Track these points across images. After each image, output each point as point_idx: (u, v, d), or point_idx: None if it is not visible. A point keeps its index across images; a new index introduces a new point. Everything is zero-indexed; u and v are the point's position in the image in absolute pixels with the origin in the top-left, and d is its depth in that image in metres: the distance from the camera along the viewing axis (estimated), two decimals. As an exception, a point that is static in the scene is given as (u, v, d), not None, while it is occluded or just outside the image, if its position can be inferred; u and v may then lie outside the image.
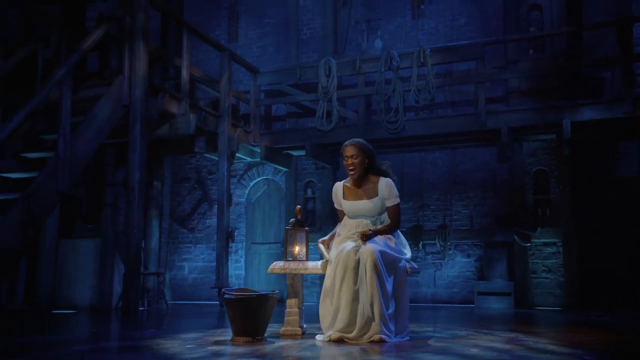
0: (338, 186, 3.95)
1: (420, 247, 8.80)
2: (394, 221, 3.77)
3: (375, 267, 3.47)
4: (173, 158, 10.11)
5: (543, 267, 8.19)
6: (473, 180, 8.79)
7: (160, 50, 7.50)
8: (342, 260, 3.57)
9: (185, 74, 7.15)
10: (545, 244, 8.20)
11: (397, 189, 3.83)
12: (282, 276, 7.84)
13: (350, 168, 3.80)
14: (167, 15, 7.61)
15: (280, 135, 8.92)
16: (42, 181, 5.47)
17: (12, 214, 5.18)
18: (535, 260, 8.22)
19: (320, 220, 9.36)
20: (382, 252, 3.52)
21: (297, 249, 4.08)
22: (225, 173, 7.73)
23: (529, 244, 8.18)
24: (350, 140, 3.93)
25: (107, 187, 7.73)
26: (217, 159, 8.00)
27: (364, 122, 8.37)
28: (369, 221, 3.78)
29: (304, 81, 8.67)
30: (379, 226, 3.76)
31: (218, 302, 7.63)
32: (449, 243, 8.60)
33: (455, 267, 8.70)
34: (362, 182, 3.83)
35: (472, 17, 9.11)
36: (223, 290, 3.70)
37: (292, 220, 4.17)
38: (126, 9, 6.39)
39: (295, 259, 4.06)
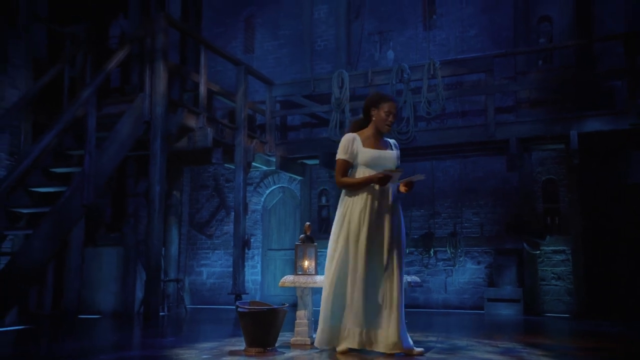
0: (356, 136, 3.75)
1: (432, 253, 9.00)
2: None
3: (401, 273, 3.61)
4: (191, 167, 10.45)
5: (552, 275, 8.33)
6: (483, 188, 8.96)
7: (179, 68, 7.83)
8: (362, 262, 3.57)
9: (202, 89, 7.46)
10: (555, 252, 8.34)
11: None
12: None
13: (390, 126, 3.77)
14: (186, 34, 7.93)
15: (295, 146, 9.20)
16: (70, 196, 5.82)
17: (42, 227, 5.53)
18: (545, 268, 8.36)
19: (334, 227, 9.60)
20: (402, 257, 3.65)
21: (306, 263, 4.35)
22: (242, 183, 8.02)
23: (538, 252, 8.33)
24: (391, 95, 3.89)
25: (129, 197, 8.10)
26: (234, 167, 8.30)
27: (375, 132, 8.58)
28: None
29: (317, 92, 8.92)
30: None
31: (235, 308, 7.93)
32: (459, 250, 8.80)
33: (466, 273, 8.88)
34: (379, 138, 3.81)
35: (482, 28, 9.27)
36: (237, 303, 3.97)
37: (301, 236, 4.44)
38: (147, 30, 6.71)
39: (304, 273, 4.33)
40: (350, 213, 3.66)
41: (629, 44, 7.08)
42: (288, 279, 4.25)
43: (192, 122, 7.35)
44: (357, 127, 3.85)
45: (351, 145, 3.71)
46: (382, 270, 3.60)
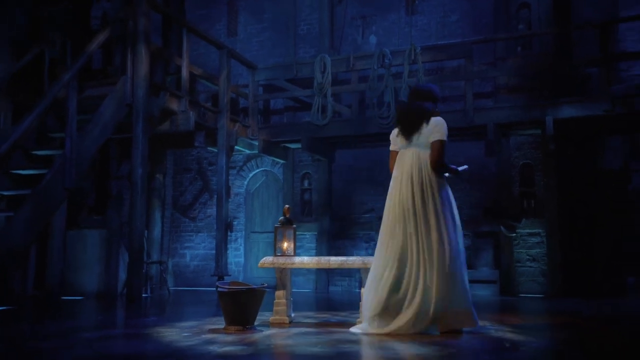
0: None
1: (412, 236, 9.18)
2: None
3: None
4: (174, 150, 10.48)
5: (527, 256, 8.57)
6: (463, 173, 9.11)
7: (161, 50, 7.82)
8: None
9: (185, 72, 7.48)
10: (530, 234, 8.57)
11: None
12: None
13: None
14: (168, 17, 7.91)
15: (278, 130, 9.27)
16: (51, 178, 5.86)
17: (24, 210, 5.58)
18: (520, 250, 8.59)
19: (316, 211, 9.75)
20: None
21: (285, 245, 4.48)
22: (224, 167, 8.09)
23: (514, 234, 8.55)
24: None
25: (112, 179, 8.14)
26: (217, 150, 8.35)
27: (357, 117, 8.72)
28: None
29: (300, 77, 8.98)
30: None
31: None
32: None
33: (445, 255, 9.07)
34: None
35: (463, 14, 9.37)
36: (216, 283, 4.09)
37: (281, 218, 4.57)
38: (129, 12, 6.71)
39: (283, 254, 4.46)
40: (452, 197, 3.88)
41: (603, 32, 7.24)
42: (267, 260, 4.38)
43: (174, 105, 7.38)
44: None
45: None
46: None
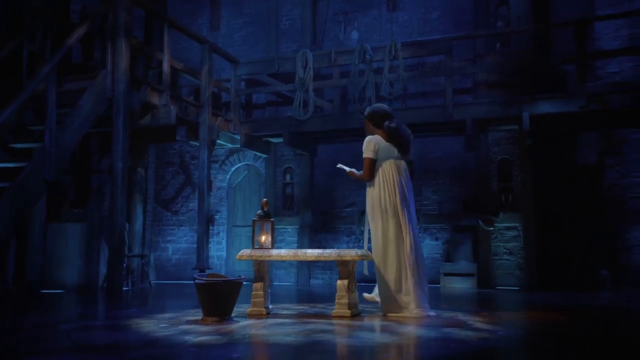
0: None
1: (392, 230, 9.30)
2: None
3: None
4: (157, 144, 10.47)
5: (504, 250, 8.74)
6: (443, 167, 9.26)
7: (142, 45, 7.81)
8: None
9: (166, 67, 7.49)
10: (507, 228, 8.73)
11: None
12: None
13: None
14: (150, 11, 7.90)
15: (260, 124, 9.31)
16: (30, 171, 5.85)
17: (3, 202, 5.57)
18: (498, 243, 8.75)
19: (298, 205, 9.82)
20: None
21: (263, 238, 4.55)
22: (206, 161, 8.12)
23: (492, 228, 8.71)
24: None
25: (93, 173, 8.12)
26: (199, 144, 8.37)
27: (339, 112, 8.80)
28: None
29: (282, 71, 9.02)
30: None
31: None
32: (419, 227, 9.11)
33: (425, 249, 9.16)
34: None
35: (444, 11, 9.48)
36: (194, 275, 4.15)
37: (259, 212, 4.63)
38: (109, 6, 6.69)
39: (261, 247, 4.53)
40: None
41: (578, 30, 7.38)
42: (245, 253, 4.45)
43: (155, 99, 7.39)
44: None
45: None
46: None
